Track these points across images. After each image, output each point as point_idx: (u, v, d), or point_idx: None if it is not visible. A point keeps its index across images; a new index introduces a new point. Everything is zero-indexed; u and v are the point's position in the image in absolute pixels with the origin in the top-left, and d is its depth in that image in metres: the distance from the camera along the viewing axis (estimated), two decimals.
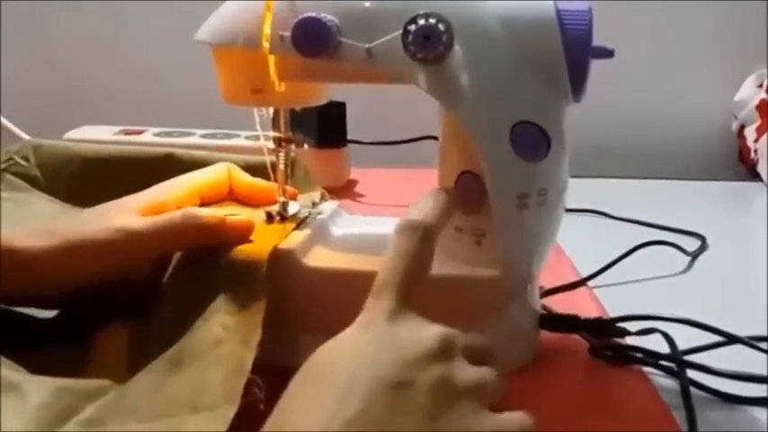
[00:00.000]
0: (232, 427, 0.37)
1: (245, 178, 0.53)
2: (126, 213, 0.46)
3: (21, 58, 1.14)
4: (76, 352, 0.45)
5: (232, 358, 0.40)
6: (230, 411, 0.37)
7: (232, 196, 0.53)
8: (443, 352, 0.33)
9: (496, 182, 0.43)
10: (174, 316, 0.44)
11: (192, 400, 0.38)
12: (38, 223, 0.45)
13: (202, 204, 0.51)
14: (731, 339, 0.48)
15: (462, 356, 0.34)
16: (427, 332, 0.34)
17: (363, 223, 0.54)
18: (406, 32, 0.41)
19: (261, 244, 0.46)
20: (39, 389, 0.39)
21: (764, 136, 0.99)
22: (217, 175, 0.52)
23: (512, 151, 0.42)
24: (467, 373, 0.33)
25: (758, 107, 1.02)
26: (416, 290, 0.37)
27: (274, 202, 0.51)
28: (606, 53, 0.45)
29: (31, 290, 0.44)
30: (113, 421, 0.38)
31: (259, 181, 0.53)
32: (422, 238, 0.38)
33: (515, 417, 0.33)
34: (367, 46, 0.42)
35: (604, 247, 0.66)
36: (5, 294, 0.44)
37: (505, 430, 0.32)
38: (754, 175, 1.01)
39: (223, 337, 0.41)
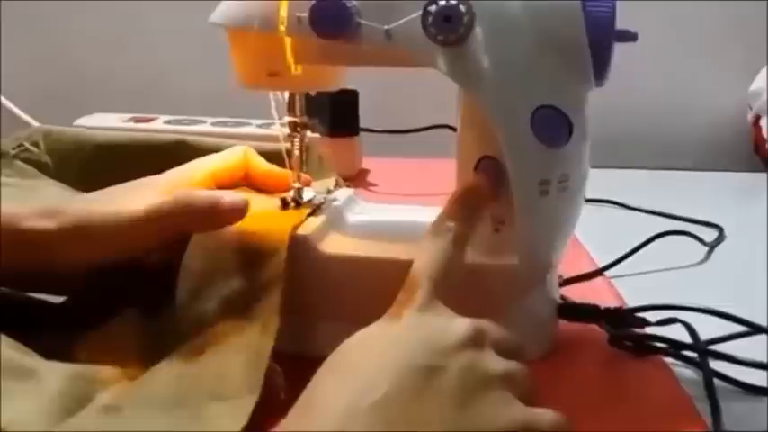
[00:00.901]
0: (253, 415, 0.36)
1: (261, 164, 0.52)
2: (136, 197, 0.45)
3: (31, 48, 1.14)
4: (88, 339, 0.45)
5: (251, 346, 0.40)
6: (251, 401, 0.37)
7: (247, 181, 0.52)
8: (474, 341, 0.33)
9: (517, 167, 0.42)
10: (188, 304, 0.44)
11: (212, 389, 0.38)
12: (45, 203, 0.45)
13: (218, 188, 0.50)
14: (756, 329, 0.47)
15: (492, 349, 0.34)
16: (458, 322, 0.34)
17: (378, 210, 0.54)
18: (425, 13, 0.40)
19: (277, 229, 0.45)
20: (55, 375, 0.39)
21: None
22: (232, 159, 0.51)
23: (533, 136, 0.41)
24: (496, 362, 0.33)
25: None
26: (448, 286, 0.37)
27: (288, 190, 0.50)
28: (630, 36, 0.44)
29: (37, 271, 0.44)
30: (131, 409, 0.37)
31: (274, 167, 0.52)
32: (454, 238, 0.39)
33: (549, 413, 0.33)
34: (386, 27, 0.41)
35: (621, 238, 0.65)
36: (13, 276, 0.44)
37: (537, 424, 0.32)
38: None
39: (242, 326, 0.41)
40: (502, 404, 0.31)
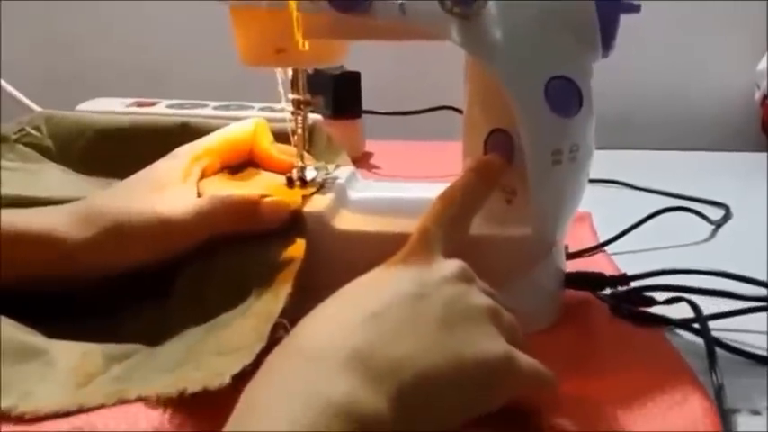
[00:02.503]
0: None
1: (265, 144, 0.52)
2: (166, 193, 0.45)
3: (33, 33, 1.13)
4: (100, 325, 0.45)
5: (262, 311, 0.40)
6: (257, 347, 0.37)
7: (252, 158, 0.52)
8: (461, 277, 0.35)
9: (532, 137, 0.42)
10: (203, 287, 0.44)
11: (218, 348, 0.38)
12: (76, 208, 0.44)
13: (223, 167, 0.50)
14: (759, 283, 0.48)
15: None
16: (448, 261, 0.36)
17: (379, 188, 0.54)
18: None
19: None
20: (65, 353, 0.39)
21: None
22: (239, 135, 0.51)
23: (547, 107, 0.41)
24: (482, 297, 0.35)
25: None
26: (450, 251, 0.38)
27: (287, 171, 0.50)
28: (632, 8, 0.44)
29: (68, 276, 0.44)
30: (139, 375, 0.38)
31: (275, 151, 0.52)
32: (464, 206, 0.41)
33: (533, 360, 0.34)
34: (400, 1, 0.41)
35: (627, 217, 0.64)
36: (40, 280, 0.43)
37: (518, 364, 0.33)
38: None
39: (251, 303, 0.41)
40: (485, 336, 0.33)
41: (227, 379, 0.34)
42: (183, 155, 0.49)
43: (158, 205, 0.44)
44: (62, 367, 0.38)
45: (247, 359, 0.36)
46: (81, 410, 0.35)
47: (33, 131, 0.66)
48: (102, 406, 0.35)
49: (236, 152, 0.51)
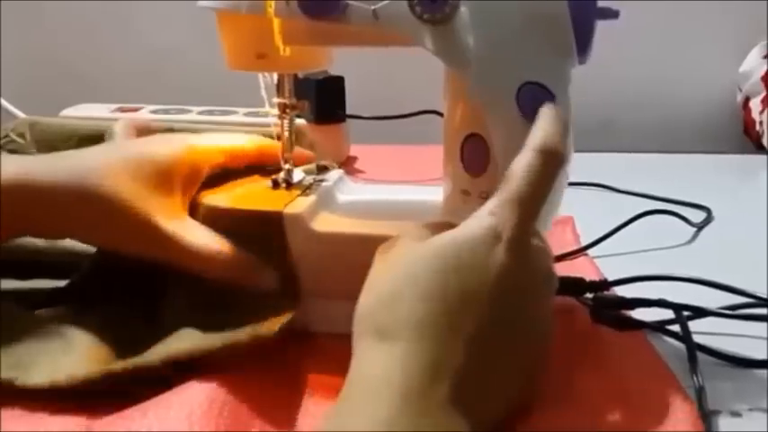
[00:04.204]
0: None
1: (274, 144, 0.52)
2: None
3: (17, 37, 1.13)
4: (100, 313, 0.45)
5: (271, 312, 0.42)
6: (284, 318, 0.40)
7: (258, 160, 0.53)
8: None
9: (503, 143, 0.42)
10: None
11: (239, 323, 0.41)
12: (56, 158, 0.45)
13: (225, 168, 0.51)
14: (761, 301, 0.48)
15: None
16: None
17: (368, 191, 0.54)
18: None
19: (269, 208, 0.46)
20: (82, 335, 0.41)
21: None
22: (245, 146, 0.52)
23: (518, 112, 0.42)
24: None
25: (763, 78, 1.00)
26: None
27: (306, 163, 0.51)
28: (611, 14, 0.44)
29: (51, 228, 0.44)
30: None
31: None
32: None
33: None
34: (373, 7, 0.41)
35: (609, 220, 0.65)
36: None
37: None
38: (760, 148, 0.99)
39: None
40: None
41: (275, 328, 0.39)
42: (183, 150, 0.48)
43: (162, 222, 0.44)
44: (83, 345, 0.40)
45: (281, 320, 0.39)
46: (127, 371, 0.38)
47: (17, 138, 0.66)
48: (150, 367, 0.38)
49: (242, 155, 0.52)
